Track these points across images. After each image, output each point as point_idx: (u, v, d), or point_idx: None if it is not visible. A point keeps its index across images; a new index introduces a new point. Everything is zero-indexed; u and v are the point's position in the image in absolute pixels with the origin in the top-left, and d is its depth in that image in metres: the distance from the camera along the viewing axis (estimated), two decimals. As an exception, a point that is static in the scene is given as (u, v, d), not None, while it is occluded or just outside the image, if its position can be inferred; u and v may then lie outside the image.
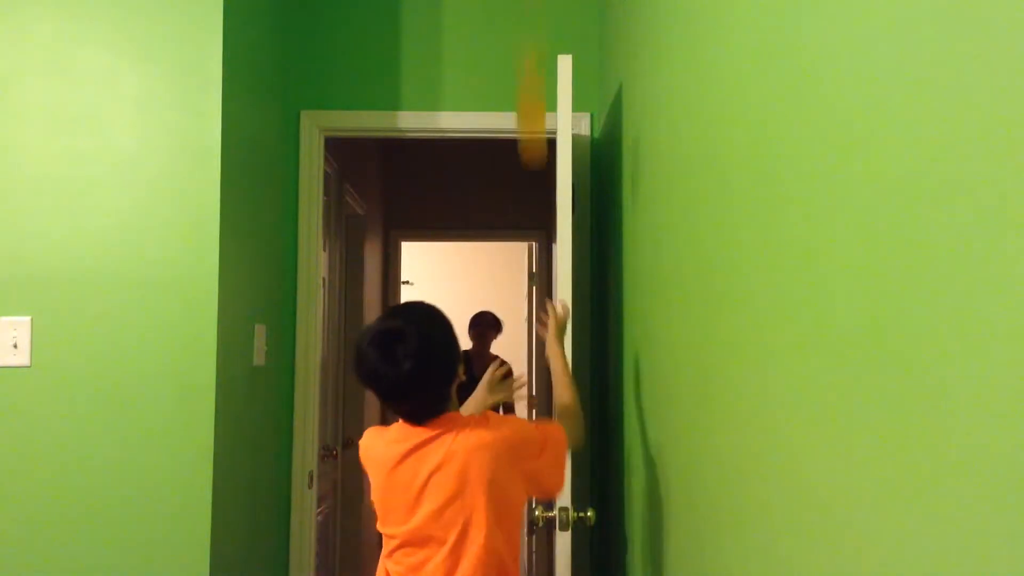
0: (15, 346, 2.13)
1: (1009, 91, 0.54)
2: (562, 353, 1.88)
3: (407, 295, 6.37)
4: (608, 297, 2.69)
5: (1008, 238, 0.54)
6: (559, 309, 1.94)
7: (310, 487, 2.82)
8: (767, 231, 1.05)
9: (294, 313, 2.83)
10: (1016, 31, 0.53)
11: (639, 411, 2.07)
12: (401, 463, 1.53)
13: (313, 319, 2.84)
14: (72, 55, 2.20)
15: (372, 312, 4.69)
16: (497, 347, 4.89)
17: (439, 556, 1.50)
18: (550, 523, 2.04)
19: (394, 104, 2.92)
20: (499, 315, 4.96)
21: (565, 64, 2.19)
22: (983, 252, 0.57)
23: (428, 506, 1.50)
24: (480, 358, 4.64)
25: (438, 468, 1.50)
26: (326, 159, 3.05)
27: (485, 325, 4.81)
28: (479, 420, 1.57)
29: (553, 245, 4.73)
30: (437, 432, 1.52)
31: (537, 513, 2.09)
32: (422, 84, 2.92)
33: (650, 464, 1.91)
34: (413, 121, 2.91)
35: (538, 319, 1.86)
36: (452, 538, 1.49)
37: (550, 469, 1.60)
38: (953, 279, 0.61)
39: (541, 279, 5.17)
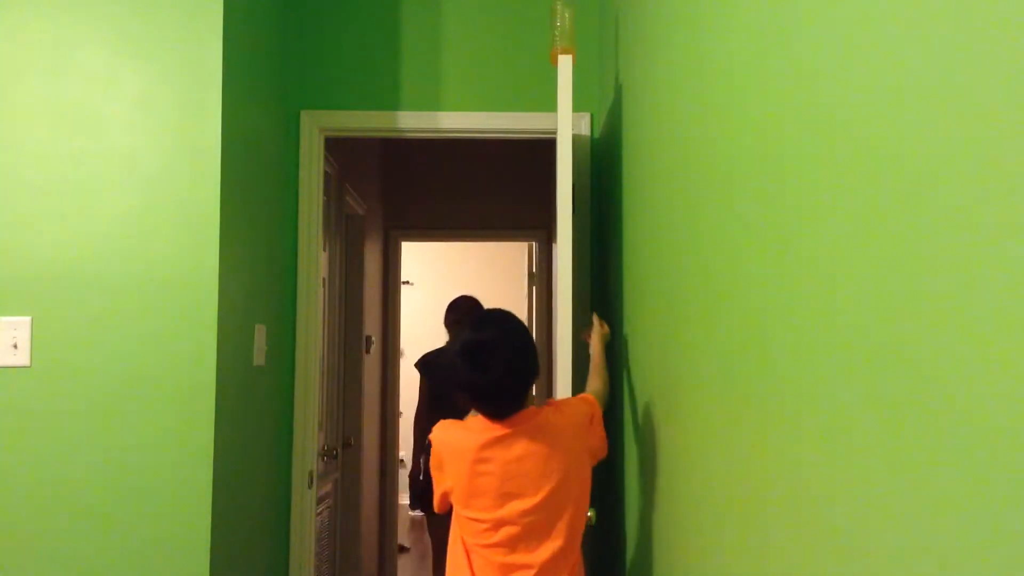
0: (15, 346, 2.13)
1: (1011, 93, 0.54)
2: (602, 351, 2.25)
3: (407, 295, 6.37)
4: (608, 297, 2.68)
5: (1009, 238, 0.54)
6: (602, 328, 2.31)
7: (310, 487, 2.82)
8: (768, 230, 1.05)
9: (294, 313, 2.83)
10: (1016, 33, 0.53)
11: (639, 411, 2.07)
12: (485, 451, 1.73)
13: (313, 319, 2.84)
14: (72, 55, 2.20)
15: (372, 312, 4.68)
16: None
17: (550, 541, 1.72)
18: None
19: (394, 104, 2.91)
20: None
21: (565, 64, 2.19)
22: (985, 252, 0.57)
23: (521, 494, 1.72)
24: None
25: (523, 458, 1.73)
26: (326, 159, 3.05)
27: (464, 312, 3.85)
28: (552, 410, 1.81)
29: (553, 245, 4.73)
30: (518, 426, 1.74)
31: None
32: (422, 84, 2.92)
33: (650, 464, 1.91)
34: (413, 121, 2.91)
35: (584, 333, 2.38)
36: (556, 522, 1.73)
37: (600, 439, 1.87)
38: (955, 278, 0.61)
39: (541, 279, 5.17)
